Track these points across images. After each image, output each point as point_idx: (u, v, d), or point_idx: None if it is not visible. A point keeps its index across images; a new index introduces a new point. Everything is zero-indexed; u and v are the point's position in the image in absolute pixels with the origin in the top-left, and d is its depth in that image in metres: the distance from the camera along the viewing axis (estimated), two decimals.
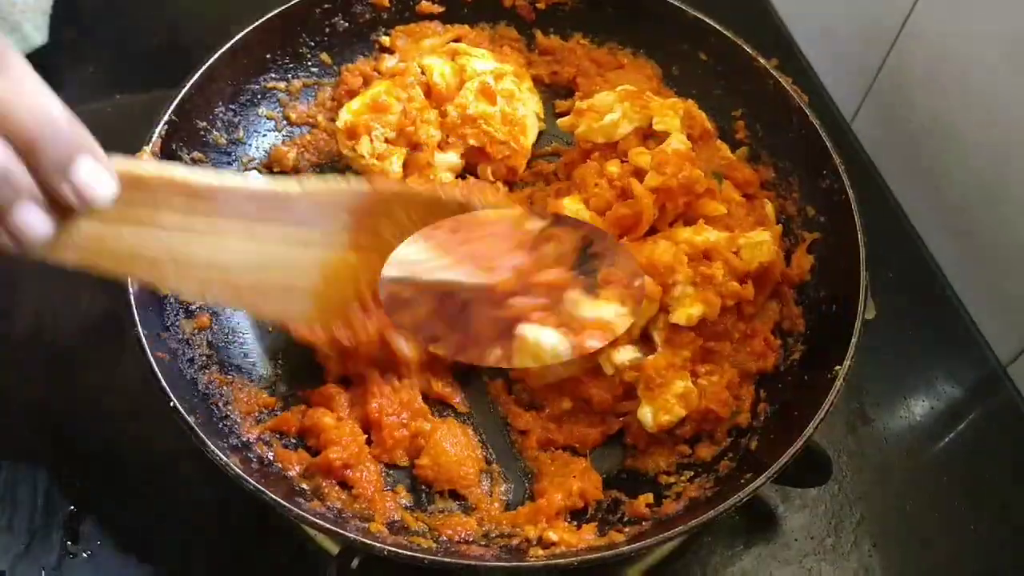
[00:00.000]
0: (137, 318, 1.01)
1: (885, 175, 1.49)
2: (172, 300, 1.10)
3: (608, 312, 1.02)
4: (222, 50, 1.22)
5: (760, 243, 1.12)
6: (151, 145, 1.12)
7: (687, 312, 1.08)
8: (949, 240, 1.38)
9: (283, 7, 1.26)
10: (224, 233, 0.82)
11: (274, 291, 0.89)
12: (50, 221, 0.67)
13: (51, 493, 1.13)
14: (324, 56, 1.36)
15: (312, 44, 1.34)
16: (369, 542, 0.90)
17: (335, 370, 1.13)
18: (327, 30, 1.33)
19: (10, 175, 0.64)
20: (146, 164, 0.76)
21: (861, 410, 1.26)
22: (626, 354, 1.08)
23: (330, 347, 1.02)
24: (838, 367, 1.00)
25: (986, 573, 1.15)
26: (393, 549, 0.90)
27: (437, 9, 1.39)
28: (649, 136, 1.22)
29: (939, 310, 1.36)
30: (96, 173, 0.68)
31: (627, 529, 1.00)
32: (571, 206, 1.17)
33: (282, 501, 0.91)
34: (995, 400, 1.29)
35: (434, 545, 0.98)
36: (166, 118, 1.14)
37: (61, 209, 0.68)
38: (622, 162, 1.20)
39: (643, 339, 1.11)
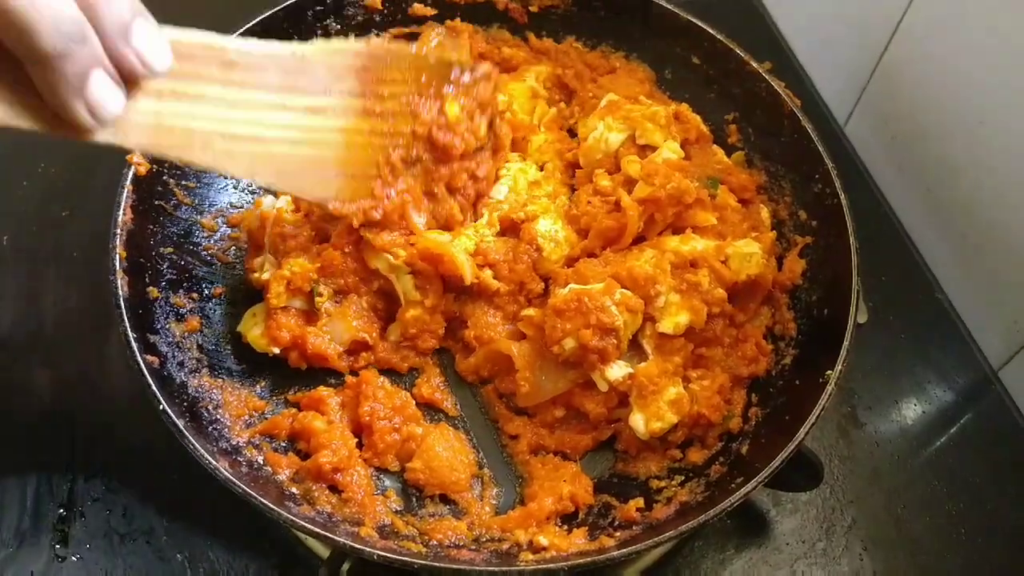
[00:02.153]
0: (127, 321, 1.00)
1: (877, 179, 1.50)
2: (161, 302, 1.10)
3: None
4: None
5: (749, 255, 1.13)
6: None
7: (674, 320, 1.08)
8: (941, 244, 1.38)
9: (275, 8, 1.26)
10: (259, 106, 0.92)
11: (310, 166, 0.98)
12: (121, 94, 0.75)
13: (40, 496, 1.13)
14: None
15: None
16: (359, 546, 0.90)
17: (295, 361, 1.13)
18: (319, 32, 1.32)
19: (85, 31, 0.68)
20: (182, 30, 0.86)
21: (852, 414, 1.26)
22: (619, 370, 1.08)
23: (362, 217, 1.05)
24: (830, 371, 1.01)
25: None
26: (383, 553, 0.90)
27: (430, 12, 1.38)
28: (645, 145, 1.23)
29: (931, 314, 1.37)
30: (153, 35, 0.75)
31: (617, 533, 1.00)
32: (548, 226, 1.18)
33: (272, 505, 0.91)
34: (986, 404, 1.29)
35: (424, 549, 0.98)
36: None
37: (126, 85, 0.75)
38: (610, 174, 1.21)
39: (634, 348, 1.11)
